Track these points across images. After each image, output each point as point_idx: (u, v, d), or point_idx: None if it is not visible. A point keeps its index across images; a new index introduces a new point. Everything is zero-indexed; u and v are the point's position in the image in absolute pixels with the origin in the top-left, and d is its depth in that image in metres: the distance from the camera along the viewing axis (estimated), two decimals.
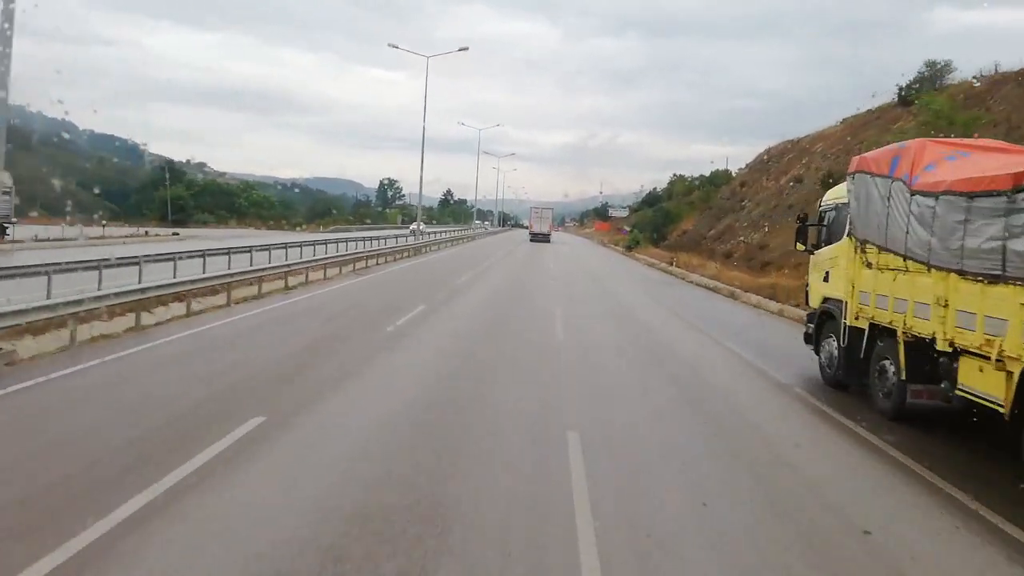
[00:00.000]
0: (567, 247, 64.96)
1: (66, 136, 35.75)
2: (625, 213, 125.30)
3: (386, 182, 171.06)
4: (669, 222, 63.95)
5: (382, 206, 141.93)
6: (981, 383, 7.75)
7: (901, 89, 38.62)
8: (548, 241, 73.10)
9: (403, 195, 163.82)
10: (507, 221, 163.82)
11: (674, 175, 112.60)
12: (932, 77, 37.44)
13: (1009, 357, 7.20)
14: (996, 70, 34.47)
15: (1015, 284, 7.20)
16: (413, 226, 55.29)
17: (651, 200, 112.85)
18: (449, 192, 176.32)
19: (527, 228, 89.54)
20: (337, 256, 28.12)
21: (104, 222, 40.28)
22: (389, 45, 57.89)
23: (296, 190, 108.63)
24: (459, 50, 52.05)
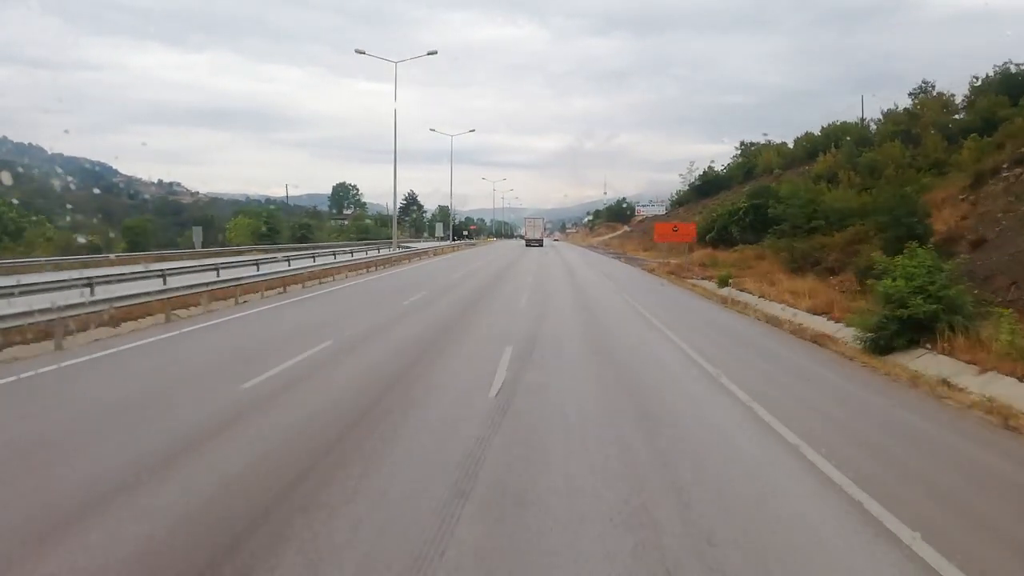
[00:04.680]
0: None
1: None
2: (661, 211, 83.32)
3: (340, 188, 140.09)
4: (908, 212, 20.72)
5: (338, 212, 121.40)
6: None
7: None
8: (541, 245, 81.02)
9: (363, 202, 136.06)
10: (467, 232, 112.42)
11: (741, 143, 70.17)
12: None
13: None
14: None
15: None
16: None
17: (705, 186, 70.41)
18: (412, 197, 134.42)
19: (522, 237, 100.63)
20: None
21: None
22: (356, 51, 36.21)
23: (272, 207, 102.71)
24: (428, 54, 43.05)
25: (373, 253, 37.91)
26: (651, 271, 31.29)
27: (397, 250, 41.38)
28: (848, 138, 48.31)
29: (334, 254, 32.69)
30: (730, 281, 22.99)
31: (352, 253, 35.04)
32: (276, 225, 56.58)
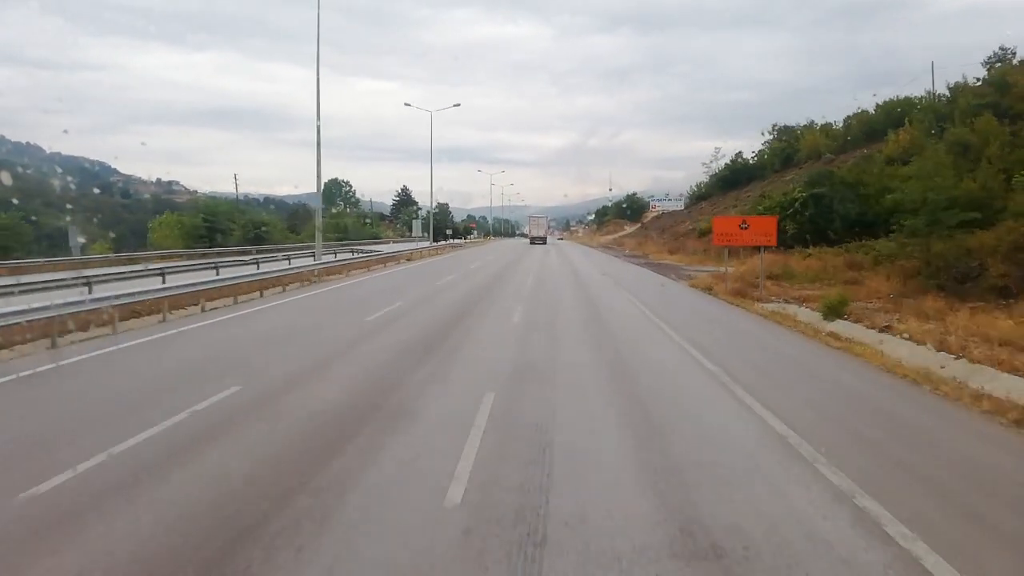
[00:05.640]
0: None
1: None
2: (679, 205, 75.01)
3: (332, 184, 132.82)
4: None
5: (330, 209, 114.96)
6: None
7: None
8: (544, 243, 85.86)
9: (356, 200, 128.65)
10: (450, 231, 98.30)
11: (773, 126, 61.35)
12: None
13: None
14: None
15: None
16: None
17: (733, 176, 61.73)
18: (405, 194, 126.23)
19: (525, 235, 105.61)
20: None
21: None
22: None
23: (272, 206, 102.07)
24: None
25: (307, 261, 28.55)
26: (708, 289, 22.04)
27: (322, 261, 29.23)
28: (916, 114, 39.80)
29: (216, 268, 23.63)
30: (845, 311, 14.46)
31: (259, 265, 26.05)
32: (220, 224, 46.41)
